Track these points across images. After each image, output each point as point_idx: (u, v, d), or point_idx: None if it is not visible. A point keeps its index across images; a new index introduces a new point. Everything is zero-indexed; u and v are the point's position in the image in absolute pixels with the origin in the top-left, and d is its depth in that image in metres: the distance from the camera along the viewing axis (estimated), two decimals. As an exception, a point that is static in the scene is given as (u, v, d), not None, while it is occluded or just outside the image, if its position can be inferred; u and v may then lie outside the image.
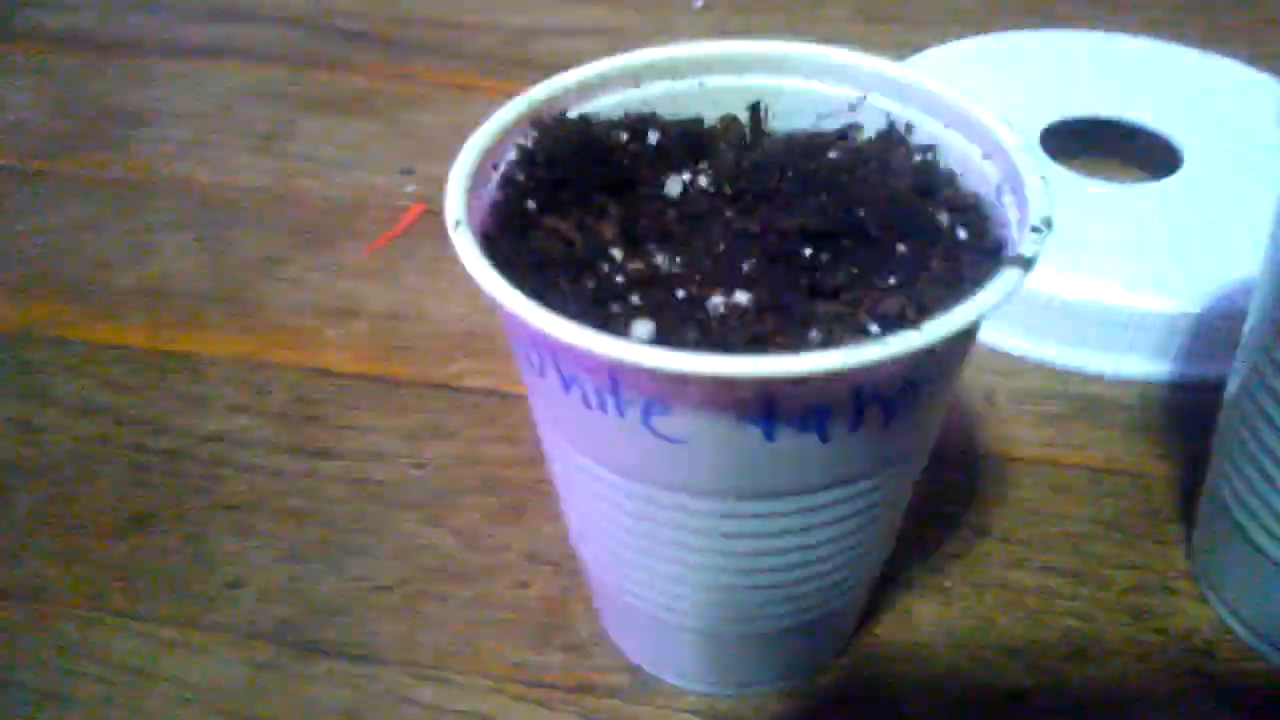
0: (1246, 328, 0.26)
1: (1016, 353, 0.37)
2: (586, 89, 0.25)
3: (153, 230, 0.45)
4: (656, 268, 0.23)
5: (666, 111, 0.26)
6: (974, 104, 0.23)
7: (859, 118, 0.25)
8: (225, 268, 0.43)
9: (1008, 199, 0.22)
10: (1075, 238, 0.37)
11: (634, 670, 0.28)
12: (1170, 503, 0.32)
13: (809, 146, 0.25)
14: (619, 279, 0.22)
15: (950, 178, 0.24)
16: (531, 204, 0.23)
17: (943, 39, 0.49)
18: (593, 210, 0.24)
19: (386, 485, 0.34)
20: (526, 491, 0.33)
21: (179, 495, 0.33)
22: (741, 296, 0.21)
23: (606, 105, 0.25)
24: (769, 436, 0.19)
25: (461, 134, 0.23)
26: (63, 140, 0.50)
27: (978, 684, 0.28)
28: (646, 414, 0.19)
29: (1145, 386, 0.36)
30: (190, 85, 0.54)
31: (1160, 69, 0.46)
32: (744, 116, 0.26)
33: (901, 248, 0.22)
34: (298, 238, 0.44)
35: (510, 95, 0.24)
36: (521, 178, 0.24)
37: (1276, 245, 0.24)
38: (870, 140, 0.25)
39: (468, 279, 0.20)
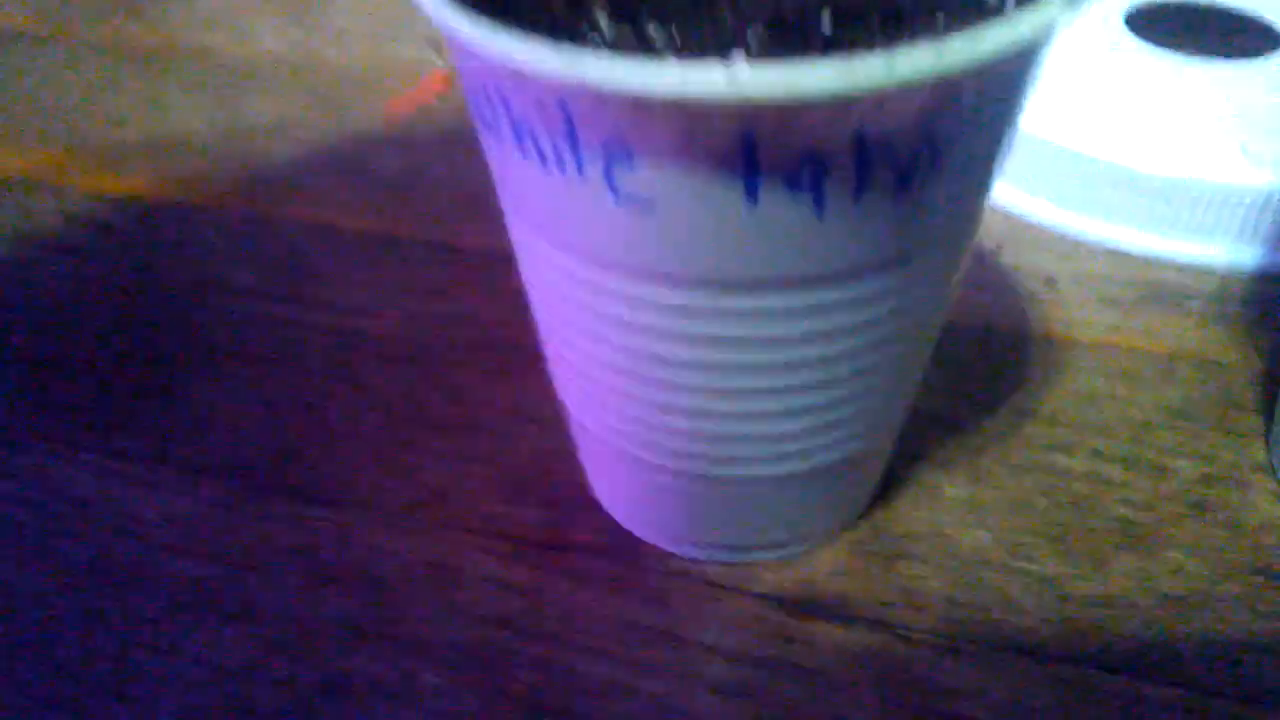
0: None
1: (1083, 236, 0.33)
2: None
3: (169, 92, 0.43)
4: (647, 37, 0.20)
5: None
6: None
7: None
8: (237, 128, 0.40)
9: None
10: (1163, 116, 0.32)
11: (617, 531, 0.25)
12: (1250, 393, 0.28)
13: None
14: (600, 46, 0.19)
15: None
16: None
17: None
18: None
19: (372, 338, 0.31)
20: (519, 350, 0.30)
21: (156, 338, 0.31)
22: (739, 58, 0.18)
23: None
24: (752, 196, 0.16)
25: None
26: (90, 6, 0.49)
27: (1004, 567, 0.24)
28: (609, 167, 0.16)
29: (1227, 275, 0.32)
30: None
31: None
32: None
33: (940, 18, 0.19)
34: (313, 101, 0.42)
35: None
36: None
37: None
38: None
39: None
